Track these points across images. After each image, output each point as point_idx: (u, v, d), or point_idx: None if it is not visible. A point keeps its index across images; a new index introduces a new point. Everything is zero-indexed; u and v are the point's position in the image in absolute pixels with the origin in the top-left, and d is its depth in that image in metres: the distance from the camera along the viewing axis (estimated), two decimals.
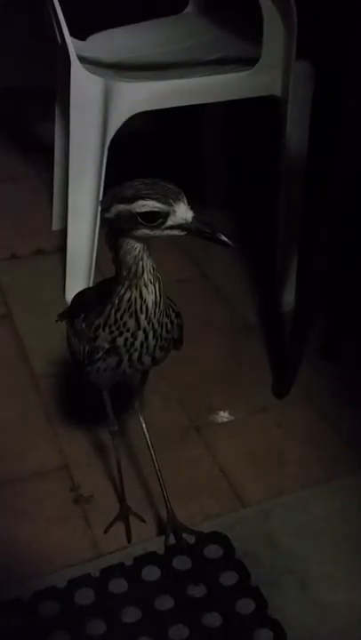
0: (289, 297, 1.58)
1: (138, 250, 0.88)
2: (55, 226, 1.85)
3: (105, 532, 1.12)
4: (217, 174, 1.94)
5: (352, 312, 1.50)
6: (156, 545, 1.08)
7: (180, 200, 0.83)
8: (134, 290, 0.90)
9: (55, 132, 1.74)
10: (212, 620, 0.99)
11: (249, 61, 1.41)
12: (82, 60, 1.38)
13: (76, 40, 1.45)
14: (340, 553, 1.08)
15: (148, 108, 1.41)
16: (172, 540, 1.08)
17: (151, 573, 1.04)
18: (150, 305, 0.91)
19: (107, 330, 0.93)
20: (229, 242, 0.83)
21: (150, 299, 0.91)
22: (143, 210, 0.83)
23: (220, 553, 1.07)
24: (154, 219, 0.83)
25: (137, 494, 1.17)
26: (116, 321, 0.92)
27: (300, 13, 1.31)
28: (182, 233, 0.85)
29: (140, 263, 0.88)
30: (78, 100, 1.39)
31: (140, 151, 1.94)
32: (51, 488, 1.19)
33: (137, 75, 1.48)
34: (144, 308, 0.91)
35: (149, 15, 1.70)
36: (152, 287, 0.90)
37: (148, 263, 0.89)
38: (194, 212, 0.84)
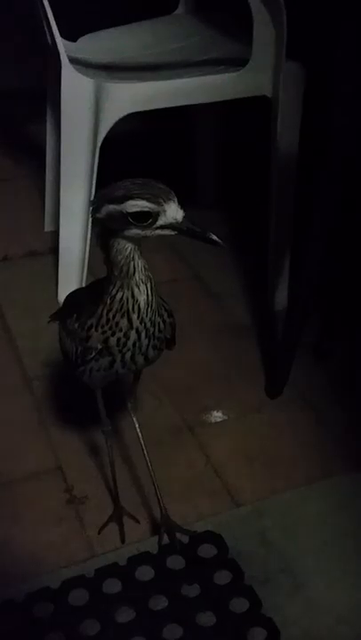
0: (281, 297, 1.59)
1: (129, 250, 0.88)
2: (47, 227, 1.85)
3: (99, 532, 1.12)
4: (208, 174, 1.94)
5: (344, 312, 1.51)
6: (150, 545, 1.08)
7: (170, 200, 0.83)
8: (126, 290, 0.90)
9: (47, 133, 1.73)
10: (206, 619, 0.99)
11: (239, 62, 1.42)
12: (72, 61, 1.38)
13: (66, 41, 1.45)
14: (333, 551, 1.09)
15: (139, 109, 1.42)
16: (165, 539, 1.08)
17: (145, 573, 1.04)
18: (142, 304, 0.91)
19: (99, 330, 0.94)
20: (220, 241, 0.84)
21: (142, 298, 0.91)
22: (134, 210, 0.83)
23: (213, 552, 1.07)
24: (144, 218, 0.84)
25: (130, 495, 1.17)
26: (108, 321, 0.93)
27: (289, 14, 1.32)
28: (173, 232, 0.85)
29: (132, 263, 0.89)
30: (69, 102, 1.39)
31: (131, 152, 1.94)
32: (44, 489, 1.19)
33: (128, 76, 1.48)
34: (136, 307, 0.91)
35: (140, 16, 1.70)
36: (144, 287, 0.90)
37: (139, 263, 0.89)
38: (184, 212, 0.84)
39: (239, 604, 1.00)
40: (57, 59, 1.37)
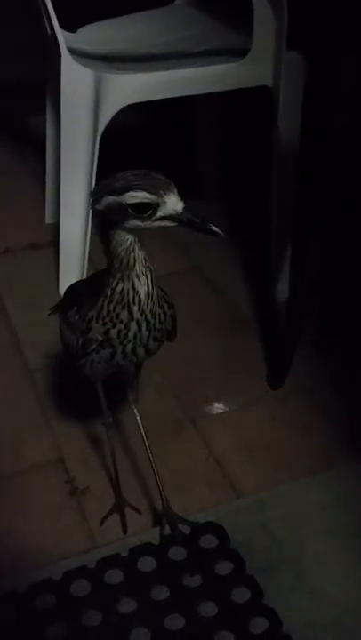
0: (283, 288, 1.58)
1: (129, 241, 0.88)
2: (48, 219, 1.85)
3: (100, 523, 1.12)
4: (210, 166, 1.94)
5: (345, 303, 1.51)
6: (152, 536, 1.09)
7: (170, 191, 0.83)
8: (126, 281, 0.90)
9: (47, 125, 1.73)
10: (208, 609, 0.99)
11: (240, 52, 1.41)
12: (72, 51, 1.38)
13: (66, 32, 1.45)
14: (335, 542, 1.09)
15: (140, 100, 1.41)
16: (167, 530, 1.08)
17: (147, 564, 1.05)
18: (143, 296, 0.91)
19: (100, 322, 0.93)
20: (220, 232, 0.84)
21: (143, 290, 0.91)
22: (134, 201, 0.83)
23: (215, 543, 1.07)
24: (144, 210, 0.83)
25: (132, 486, 1.17)
26: (109, 312, 0.92)
27: (290, 3, 1.31)
28: (173, 224, 0.85)
29: (132, 255, 0.88)
30: (69, 93, 1.38)
31: (132, 144, 1.93)
32: (46, 481, 1.19)
33: (128, 66, 1.48)
34: (137, 299, 0.91)
35: (140, 6, 1.69)
36: (144, 278, 0.90)
37: (139, 254, 0.89)
38: (184, 203, 0.84)
39: (241, 595, 1.00)
40: (56, 50, 1.37)
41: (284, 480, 1.19)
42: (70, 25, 1.52)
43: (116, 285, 0.90)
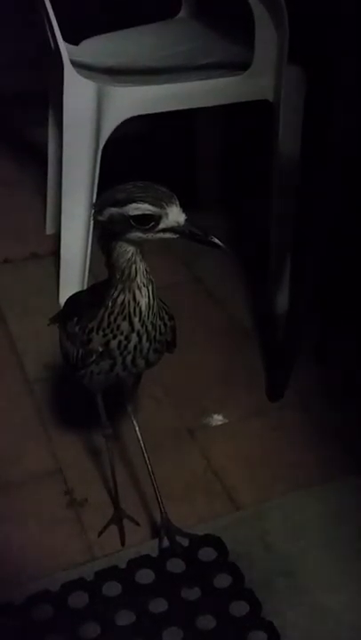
0: (282, 300, 1.59)
1: (131, 253, 0.88)
2: (49, 230, 1.86)
3: (99, 535, 1.12)
4: (210, 177, 1.95)
5: (345, 315, 1.51)
6: (150, 548, 1.08)
7: (172, 203, 0.83)
8: (127, 293, 0.90)
9: (49, 135, 1.74)
10: (206, 622, 0.99)
11: (241, 66, 1.42)
12: (75, 64, 1.39)
13: (69, 44, 1.46)
14: (333, 555, 1.09)
15: (141, 113, 1.42)
16: (165, 542, 1.08)
17: (145, 576, 1.04)
18: (143, 307, 0.91)
19: (100, 333, 0.94)
20: (221, 244, 0.84)
21: (143, 301, 0.91)
22: (136, 213, 0.83)
23: (213, 555, 1.07)
24: (147, 222, 0.84)
25: (131, 497, 1.17)
26: (109, 324, 0.93)
27: (291, 18, 1.32)
28: (175, 236, 0.86)
29: (134, 266, 0.89)
30: (71, 105, 1.39)
31: (132, 154, 1.94)
32: (44, 492, 1.19)
33: (130, 79, 1.49)
34: (137, 310, 0.91)
35: (142, 20, 1.70)
36: (145, 290, 0.91)
37: (140, 266, 0.89)
38: (186, 215, 0.84)
39: (239, 608, 1.00)
40: (59, 62, 1.38)
41: (283, 492, 1.19)
42: (73, 38, 1.53)
43: (117, 296, 0.91)
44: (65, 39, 1.39)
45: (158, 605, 1.00)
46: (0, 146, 2.24)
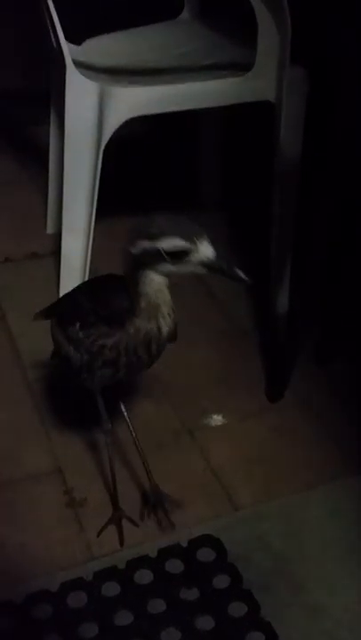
0: (283, 300, 1.58)
1: (159, 283, 0.91)
2: (49, 229, 1.85)
3: (98, 535, 1.12)
4: (212, 177, 1.94)
5: (345, 316, 1.51)
6: (149, 548, 1.08)
7: (203, 238, 0.87)
8: (153, 322, 0.93)
9: (50, 135, 1.74)
10: (205, 623, 0.99)
11: (243, 67, 1.42)
12: (77, 64, 1.39)
13: (71, 45, 1.45)
14: (332, 555, 1.09)
15: (143, 113, 1.42)
16: (164, 544, 1.08)
17: (144, 577, 1.05)
18: (164, 334, 0.95)
19: (114, 351, 0.96)
20: (246, 278, 0.88)
21: (165, 329, 0.95)
22: (170, 247, 0.86)
23: (212, 556, 1.07)
24: (179, 256, 0.87)
25: (130, 498, 1.17)
26: (126, 347, 0.95)
27: (293, 19, 1.32)
28: (203, 270, 0.89)
29: (160, 296, 0.92)
30: (73, 105, 1.39)
31: (134, 153, 1.94)
32: (44, 491, 1.19)
33: (132, 79, 1.48)
34: (158, 337, 0.95)
35: (145, 20, 1.70)
36: (168, 319, 0.94)
37: (167, 296, 0.93)
38: (216, 251, 0.87)
39: (238, 609, 1.00)
40: (62, 62, 1.38)
41: (282, 493, 1.19)
42: (75, 38, 1.53)
43: (141, 325, 0.93)
44: (67, 39, 1.39)
45: (157, 606, 1.01)
46: (1, 145, 2.23)
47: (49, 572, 1.05)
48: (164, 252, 0.87)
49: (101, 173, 1.46)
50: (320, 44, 1.44)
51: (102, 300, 0.96)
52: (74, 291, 1.14)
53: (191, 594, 1.02)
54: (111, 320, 0.95)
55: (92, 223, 1.49)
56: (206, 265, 0.88)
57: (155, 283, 0.91)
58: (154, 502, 1.13)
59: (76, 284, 1.54)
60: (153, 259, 0.88)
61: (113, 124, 1.41)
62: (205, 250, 0.87)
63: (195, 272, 0.89)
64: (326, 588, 1.04)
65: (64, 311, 1.06)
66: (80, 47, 1.59)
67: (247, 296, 1.66)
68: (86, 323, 0.97)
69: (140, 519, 1.13)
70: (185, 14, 1.77)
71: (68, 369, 1.03)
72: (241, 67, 1.43)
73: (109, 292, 0.97)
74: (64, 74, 1.37)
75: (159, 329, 0.94)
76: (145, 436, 1.17)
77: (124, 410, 1.14)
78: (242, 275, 0.88)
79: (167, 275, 0.91)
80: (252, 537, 1.11)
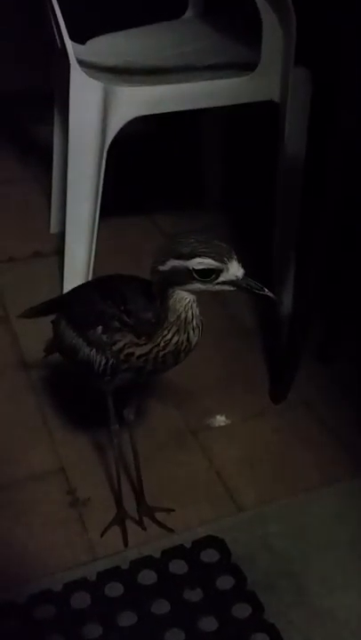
0: (286, 301, 1.58)
1: (188, 300, 0.93)
2: (53, 229, 1.85)
3: (101, 535, 1.12)
4: (214, 176, 1.94)
5: (349, 315, 1.51)
6: (153, 549, 1.08)
7: (232, 258, 0.88)
8: (183, 334, 0.96)
9: (54, 134, 1.74)
10: (209, 624, 0.99)
11: (248, 66, 1.42)
12: (81, 63, 1.39)
13: (75, 44, 1.45)
14: (336, 557, 1.08)
15: (147, 113, 1.42)
16: (168, 545, 1.08)
17: (147, 577, 1.04)
18: (193, 344, 0.97)
19: (142, 359, 0.97)
20: (274, 297, 0.92)
21: (194, 340, 0.97)
22: (200, 267, 0.88)
23: (216, 557, 1.07)
24: (208, 275, 0.89)
25: (133, 498, 1.17)
26: (155, 357, 0.97)
27: (298, 19, 1.32)
28: (232, 288, 0.91)
29: (190, 311, 0.94)
30: (77, 104, 1.39)
31: (137, 153, 1.94)
32: (47, 491, 1.19)
33: (136, 79, 1.48)
34: (188, 348, 0.97)
35: (149, 19, 1.70)
36: (198, 330, 0.97)
37: (196, 311, 0.95)
38: (244, 270, 0.89)
39: (241, 610, 1.00)
40: (66, 61, 1.37)
41: (285, 494, 1.19)
42: (79, 37, 1.53)
43: (171, 337, 0.95)
44: (71, 38, 1.39)
45: (160, 607, 1.01)
46: (5, 144, 2.24)
47: (52, 573, 1.05)
48: (195, 271, 0.88)
49: (105, 173, 1.46)
50: (324, 44, 1.43)
51: (123, 304, 0.97)
52: (82, 290, 1.13)
53: (195, 594, 1.02)
54: (139, 330, 0.96)
55: (96, 222, 1.49)
56: (235, 284, 0.90)
57: (184, 299, 0.93)
58: (141, 514, 1.14)
59: (79, 283, 1.54)
60: (182, 277, 0.90)
61: (117, 123, 1.41)
62: (235, 269, 0.89)
63: (223, 290, 0.91)
64: (331, 590, 1.04)
65: (77, 312, 1.06)
66: (84, 46, 1.59)
67: (251, 296, 1.66)
68: (109, 327, 0.98)
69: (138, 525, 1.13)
70: (189, 14, 1.77)
71: (89, 371, 1.02)
72: (245, 66, 1.43)
73: (131, 298, 0.98)
74: (68, 73, 1.37)
75: (189, 340, 0.96)
76: (148, 437, 1.16)
77: (131, 416, 1.14)
78: (270, 293, 0.91)
79: (197, 293, 0.93)
80: (255, 538, 1.10)
